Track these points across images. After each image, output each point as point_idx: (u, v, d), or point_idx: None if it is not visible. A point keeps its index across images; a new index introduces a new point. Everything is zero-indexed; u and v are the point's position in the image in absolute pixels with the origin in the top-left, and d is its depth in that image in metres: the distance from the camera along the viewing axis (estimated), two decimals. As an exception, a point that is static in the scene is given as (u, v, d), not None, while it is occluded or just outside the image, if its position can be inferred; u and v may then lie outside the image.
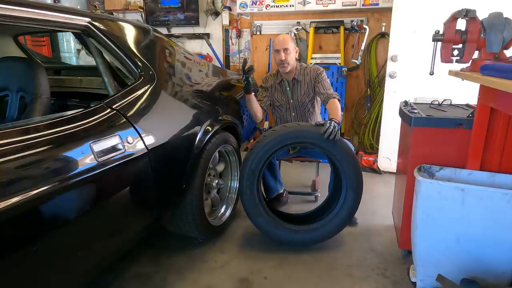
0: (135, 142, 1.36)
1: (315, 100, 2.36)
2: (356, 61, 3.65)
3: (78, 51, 4.44)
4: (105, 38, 1.50)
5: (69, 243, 1.14)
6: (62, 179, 1.05)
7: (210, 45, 4.14)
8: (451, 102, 1.95)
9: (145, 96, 1.52)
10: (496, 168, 1.52)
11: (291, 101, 2.36)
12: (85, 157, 1.15)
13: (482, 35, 1.42)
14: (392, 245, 1.98)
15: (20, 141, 1.01)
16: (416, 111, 1.73)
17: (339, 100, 2.23)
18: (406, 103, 1.95)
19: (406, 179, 1.71)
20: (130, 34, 1.70)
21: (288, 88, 2.35)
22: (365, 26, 3.57)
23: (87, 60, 4.40)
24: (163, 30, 4.17)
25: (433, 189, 1.40)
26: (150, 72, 1.61)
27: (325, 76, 2.32)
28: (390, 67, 3.02)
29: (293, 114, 2.39)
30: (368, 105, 3.62)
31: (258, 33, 4.04)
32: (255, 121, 2.46)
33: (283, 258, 1.89)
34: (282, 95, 2.38)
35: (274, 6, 3.71)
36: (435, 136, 1.60)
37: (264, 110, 2.39)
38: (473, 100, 1.63)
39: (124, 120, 1.36)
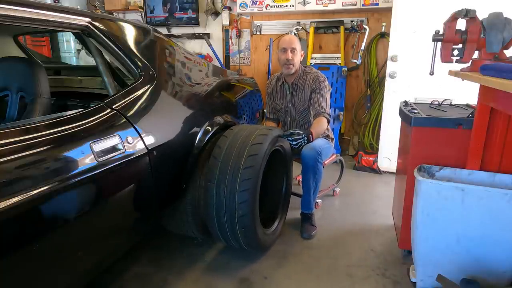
0: (135, 142, 1.36)
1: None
2: (356, 61, 3.65)
3: (78, 51, 4.45)
4: (105, 38, 1.50)
5: (69, 243, 1.14)
6: (62, 179, 1.05)
7: (210, 45, 4.15)
8: (451, 102, 1.95)
9: (145, 96, 1.52)
10: (496, 168, 1.52)
11: (289, 105, 2.32)
12: (85, 157, 1.15)
13: (482, 35, 1.41)
14: (392, 245, 1.98)
15: (20, 141, 1.01)
16: (416, 111, 1.73)
17: (328, 120, 2.21)
18: (406, 103, 1.95)
19: (406, 179, 1.71)
20: (130, 34, 1.70)
21: (288, 92, 2.31)
22: (365, 26, 3.57)
23: (87, 60, 4.40)
24: (163, 30, 4.17)
25: (433, 189, 1.40)
26: (150, 72, 1.61)
27: (324, 88, 2.22)
28: (390, 67, 3.02)
29: (289, 119, 2.35)
30: (368, 105, 3.62)
31: (258, 33, 4.04)
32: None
33: (283, 258, 1.89)
34: (282, 99, 2.35)
35: (274, 6, 3.71)
36: (435, 136, 1.60)
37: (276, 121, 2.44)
38: (473, 100, 1.63)
39: (124, 120, 1.36)
